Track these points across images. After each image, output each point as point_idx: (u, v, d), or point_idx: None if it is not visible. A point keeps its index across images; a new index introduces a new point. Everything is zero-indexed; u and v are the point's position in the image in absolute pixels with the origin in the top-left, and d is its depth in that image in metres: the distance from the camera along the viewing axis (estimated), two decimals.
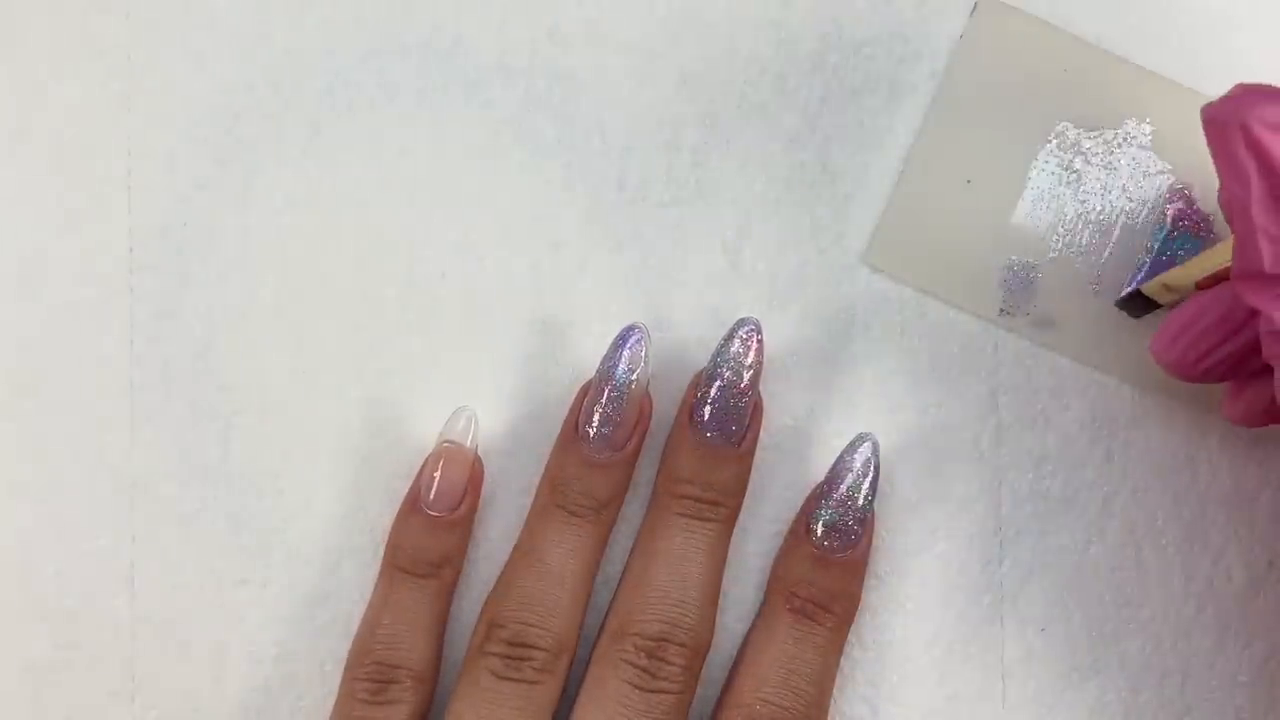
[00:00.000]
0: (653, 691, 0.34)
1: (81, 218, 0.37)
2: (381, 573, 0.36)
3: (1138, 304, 0.36)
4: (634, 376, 0.35)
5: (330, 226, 0.37)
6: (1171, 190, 0.37)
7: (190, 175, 0.37)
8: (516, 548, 0.35)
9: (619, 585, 0.35)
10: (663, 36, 0.38)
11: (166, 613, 0.37)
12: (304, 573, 0.37)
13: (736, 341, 0.35)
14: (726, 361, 0.35)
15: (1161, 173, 0.37)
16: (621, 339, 0.35)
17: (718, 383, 0.35)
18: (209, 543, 0.37)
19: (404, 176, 0.37)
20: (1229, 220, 0.29)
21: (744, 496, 0.36)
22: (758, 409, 0.35)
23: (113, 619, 0.37)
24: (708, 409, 0.35)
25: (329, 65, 0.38)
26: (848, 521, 0.35)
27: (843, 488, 0.35)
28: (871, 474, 0.35)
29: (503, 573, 0.35)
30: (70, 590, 0.37)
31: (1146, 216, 0.37)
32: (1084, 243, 0.37)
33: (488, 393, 0.37)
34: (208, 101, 0.37)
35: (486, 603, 0.35)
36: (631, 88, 0.38)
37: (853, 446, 0.35)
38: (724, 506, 0.35)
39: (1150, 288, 0.36)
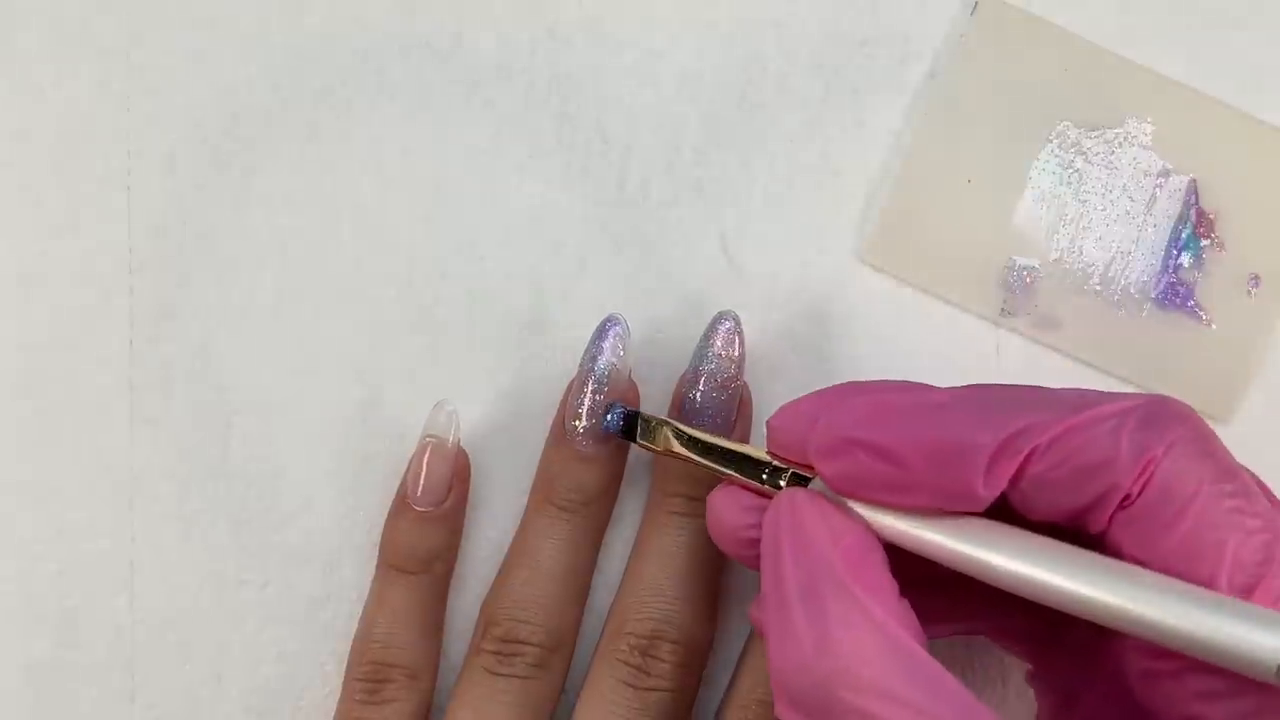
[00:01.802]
0: (647, 689, 0.34)
1: (81, 218, 0.37)
2: (376, 572, 0.36)
3: (628, 423, 0.34)
4: (615, 367, 0.35)
5: (330, 226, 0.37)
6: (1173, 189, 0.37)
7: (190, 175, 0.37)
8: (511, 546, 0.36)
9: (619, 587, 0.36)
10: (663, 36, 0.38)
11: (166, 613, 0.37)
12: (304, 573, 0.37)
13: (718, 338, 0.35)
14: (707, 358, 0.35)
15: (1163, 172, 0.37)
16: (600, 332, 0.35)
17: (702, 379, 0.35)
18: (209, 543, 0.37)
19: (404, 176, 0.37)
20: None
21: None
22: (745, 402, 0.35)
23: (113, 619, 0.37)
24: (693, 405, 0.35)
25: (329, 65, 0.37)
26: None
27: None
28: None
29: (499, 571, 0.36)
30: (70, 590, 0.37)
31: (1148, 216, 0.37)
32: (1085, 242, 0.37)
33: (487, 393, 0.37)
34: (208, 101, 0.37)
35: (484, 602, 0.35)
36: (631, 88, 0.38)
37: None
38: None
39: (650, 433, 0.34)
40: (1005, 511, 0.28)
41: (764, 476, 0.32)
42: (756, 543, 0.30)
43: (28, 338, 0.37)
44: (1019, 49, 0.37)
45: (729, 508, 0.31)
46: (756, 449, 0.32)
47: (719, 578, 0.36)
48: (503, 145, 0.38)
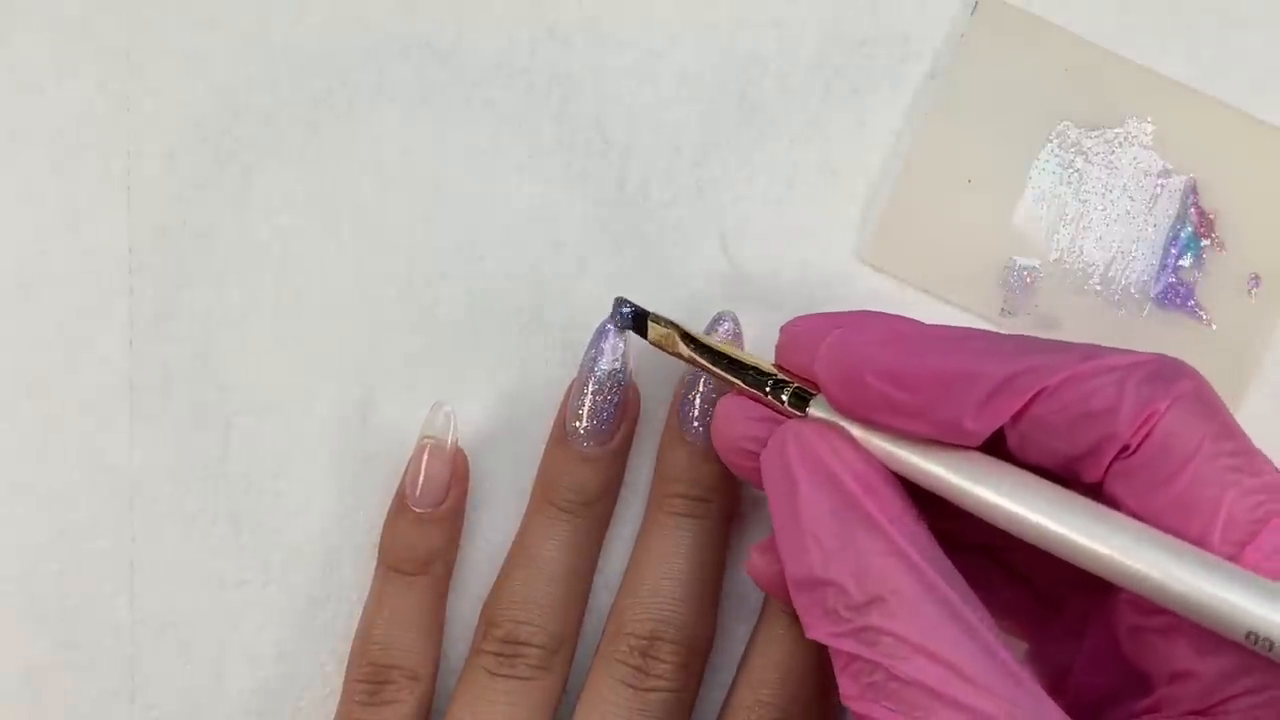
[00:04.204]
0: (647, 690, 0.34)
1: (81, 218, 0.37)
2: (375, 573, 0.36)
3: (636, 321, 0.35)
4: (615, 368, 0.35)
5: (330, 226, 0.37)
6: (1173, 189, 0.37)
7: (190, 175, 0.37)
8: (512, 547, 0.36)
9: (619, 587, 0.36)
10: (663, 36, 0.38)
11: (166, 613, 0.37)
12: (304, 573, 0.37)
13: (718, 338, 0.35)
14: None
15: (1163, 172, 0.37)
16: (601, 332, 0.35)
17: (702, 379, 0.35)
18: (209, 543, 0.37)
19: (404, 176, 0.37)
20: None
21: (737, 492, 0.36)
22: None
23: (113, 619, 0.37)
24: (692, 407, 0.35)
25: (329, 65, 0.37)
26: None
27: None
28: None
29: (499, 573, 0.36)
30: (70, 590, 0.37)
31: (1148, 216, 0.37)
32: (1085, 242, 0.37)
33: (487, 393, 0.37)
34: (208, 101, 0.37)
35: (485, 603, 0.35)
36: (631, 88, 0.38)
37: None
38: (714, 503, 0.35)
39: (663, 334, 0.34)
40: (1000, 454, 0.29)
41: (767, 389, 0.32)
42: (756, 455, 0.31)
43: (28, 338, 0.37)
44: (1019, 49, 0.37)
45: (735, 417, 0.32)
46: (763, 361, 0.33)
47: (719, 578, 0.36)
48: (503, 145, 0.37)
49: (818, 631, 0.28)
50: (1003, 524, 0.28)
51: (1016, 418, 0.28)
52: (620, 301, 0.35)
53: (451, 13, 0.38)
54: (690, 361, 0.34)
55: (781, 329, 0.32)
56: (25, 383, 0.37)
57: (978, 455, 0.29)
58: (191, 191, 0.37)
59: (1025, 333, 0.37)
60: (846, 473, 0.29)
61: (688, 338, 0.34)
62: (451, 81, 0.38)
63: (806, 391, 0.31)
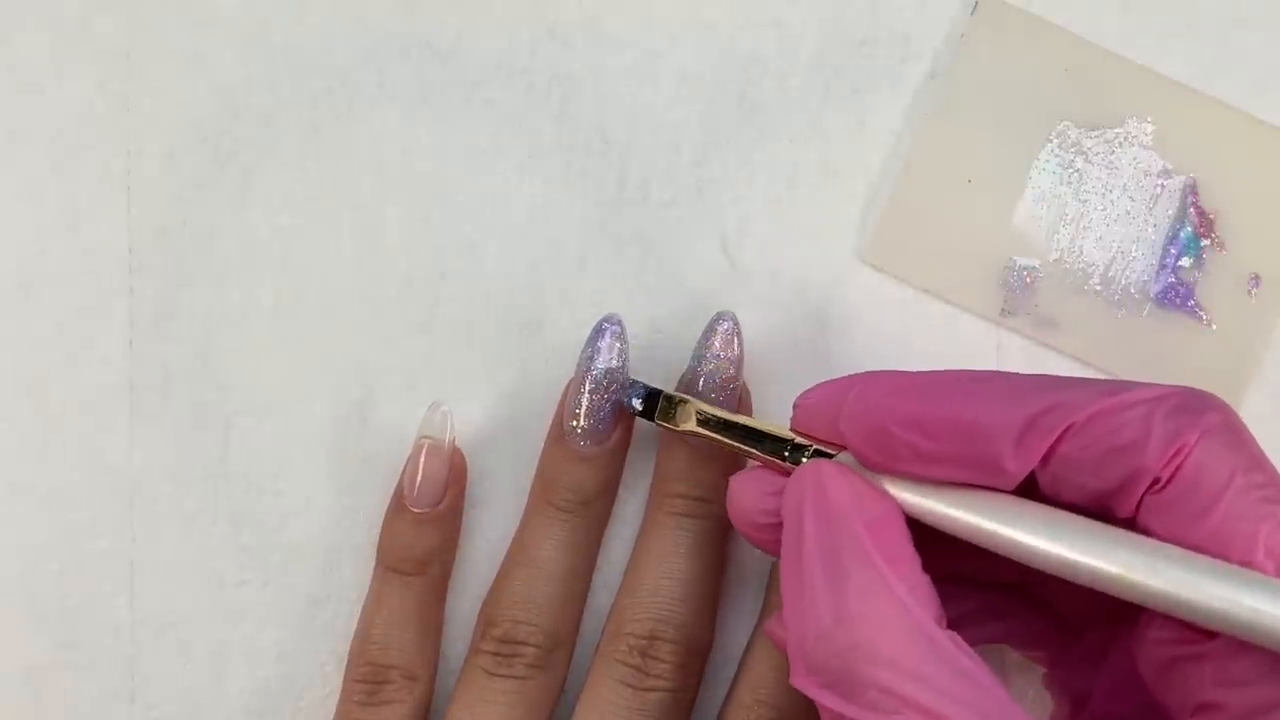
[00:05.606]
0: (646, 690, 0.34)
1: (81, 218, 0.37)
2: (374, 573, 0.36)
3: (647, 402, 0.34)
4: (612, 367, 0.35)
5: (330, 226, 0.37)
6: (1173, 189, 0.37)
7: (190, 175, 0.37)
8: (510, 547, 0.36)
9: (619, 587, 0.36)
10: (663, 36, 0.38)
11: (166, 613, 0.37)
12: (304, 573, 0.37)
13: (717, 338, 0.35)
14: (706, 358, 0.35)
15: (1163, 172, 0.37)
16: (597, 331, 0.35)
17: (701, 379, 0.35)
18: (209, 543, 0.37)
19: (404, 176, 0.37)
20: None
21: None
22: (743, 403, 0.35)
23: (113, 619, 0.37)
24: None
25: (329, 65, 0.37)
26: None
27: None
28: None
29: (498, 572, 0.36)
30: (70, 590, 0.37)
31: (1148, 216, 0.37)
32: (1085, 242, 0.37)
33: (487, 393, 0.37)
34: (207, 101, 0.37)
35: (483, 602, 0.35)
36: (631, 88, 0.38)
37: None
38: (714, 503, 0.35)
39: (672, 412, 0.34)
40: (1033, 494, 0.28)
41: (786, 454, 0.32)
42: (775, 528, 0.30)
43: (28, 338, 0.37)
44: (1019, 49, 0.37)
45: (749, 491, 0.32)
46: (780, 427, 0.32)
47: (719, 578, 0.36)
48: (503, 145, 0.38)
49: (801, 679, 0.28)
50: (1038, 564, 0.28)
51: (1046, 457, 0.28)
52: (631, 384, 0.35)
53: (451, 13, 0.38)
54: (705, 438, 0.33)
55: (795, 402, 0.32)
56: (25, 383, 0.37)
57: (1007, 498, 0.28)
58: (191, 191, 0.37)
59: (1025, 333, 0.37)
60: (855, 510, 0.28)
61: (701, 413, 0.33)
62: (451, 81, 0.38)
63: (827, 453, 0.31)
